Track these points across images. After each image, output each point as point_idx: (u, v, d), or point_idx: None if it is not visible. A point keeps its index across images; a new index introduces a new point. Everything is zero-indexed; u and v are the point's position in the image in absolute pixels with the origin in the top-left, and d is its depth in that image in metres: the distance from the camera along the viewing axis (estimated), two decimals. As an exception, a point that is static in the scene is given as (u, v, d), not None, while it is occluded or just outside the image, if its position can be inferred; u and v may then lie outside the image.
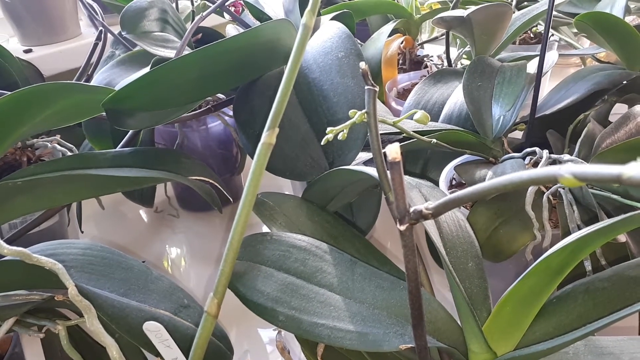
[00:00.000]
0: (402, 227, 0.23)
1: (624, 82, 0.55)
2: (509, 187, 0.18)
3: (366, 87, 0.29)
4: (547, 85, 0.88)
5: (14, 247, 0.27)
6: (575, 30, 0.88)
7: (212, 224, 0.74)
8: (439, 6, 0.88)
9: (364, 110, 0.30)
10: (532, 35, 0.89)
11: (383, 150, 0.30)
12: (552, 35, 0.82)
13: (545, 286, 0.28)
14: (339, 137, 0.31)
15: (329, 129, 0.31)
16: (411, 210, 0.22)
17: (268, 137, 0.25)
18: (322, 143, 0.31)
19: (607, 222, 0.25)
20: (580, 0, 0.77)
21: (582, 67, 0.78)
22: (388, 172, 0.29)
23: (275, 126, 0.25)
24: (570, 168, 0.15)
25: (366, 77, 0.29)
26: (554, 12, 0.78)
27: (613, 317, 0.27)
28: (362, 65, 0.29)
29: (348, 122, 0.31)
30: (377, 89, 0.29)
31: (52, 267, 0.28)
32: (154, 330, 0.31)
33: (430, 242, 0.49)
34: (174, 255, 0.70)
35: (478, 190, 0.19)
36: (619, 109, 0.56)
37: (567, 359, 0.29)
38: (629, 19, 0.80)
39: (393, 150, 0.22)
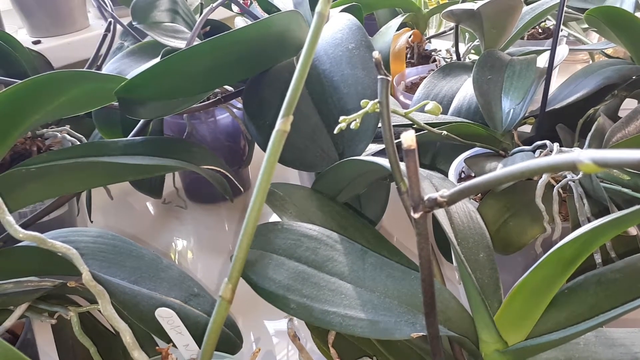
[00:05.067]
0: (417, 215, 0.23)
1: (634, 77, 0.55)
2: (526, 174, 0.18)
3: (379, 77, 0.29)
4: (555, 81, 0.87)
5: (30, 232, 0.27)
6: (584, 26, 0.88)
7: (219, 216, 0.75)
8: (447, 0, 0.88)
9: (376, 100, 0.30)
10: (540, 31, 0.89)
11: (396, 140, 0.30)
12: (561, 30, 0.82)
13: (558, 277, 0.28)
14: (352, 126, 0.31)
15: (341, 118, 0.31)
16: (425, 198, 0.22)
17: (283, 124, 0.25)
18: (335, 132, 0.32)
19: (620, 213, 0.25)
20: (590, -5, 0.76)
21: (590, 63, 0.78)
22: (400, 163, 0.29)
23: (289, 114, 0.25)
24: (590, 153, 0.15)
25: (379, 66, 0.29)
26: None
27: (625, 308, 0.27)
28: (375, 54, 0.29)
29: (361, 112, 0.31)
30: (389, 78, 0.29)
31: (67, 252, 0.28)
32: (166, 317, 0.31)
33: (438, 236, 0.49)
34: (181, 246, 0.71)
35: (494, 178, 0.19)
36: (629, 104, 0.56)
37: (578, 350, 0.29)
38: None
39: (408, 138, 0.22)
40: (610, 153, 0.15)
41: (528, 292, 0.28)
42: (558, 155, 0.17)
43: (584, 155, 0.15)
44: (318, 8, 0.26)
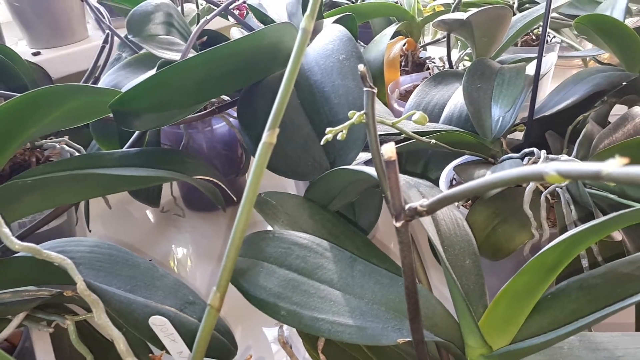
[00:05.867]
0: (398, 224, 0.24)
1: (624, 83, 0.56)
2: (500, 184, 0.19)
3: (364, 89, 0.30)
4: (548, 87, 0.88)
5: (25, 243, 0.28)
6: (577, 32, 0.89)
7: (217, 224, 0.75)
8: (442, 8, 0.89)
9: (362, 111, 0.31)
10: (533, 37, 0.89)
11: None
12: (554, 37, 0.83)
13: (540, 282, 0.28)
14: (338, 137, 0.32)
15: (328, 129, 0.32)
16: (406, 207, 0.23)
17: (269, 136, 0.26)
18: (321, 143, 0.32)
19: (599, 220, 0.26)
20: (581, 2, 0.77)
21: (584, 68, 0.79)
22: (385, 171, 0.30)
23: (275, 126, 0.26)
24: (555, 165, 0.16)
25: (364, 78, 0.30)
26: (555, 14, 0.79)
27: (605, 311, 0.27)
28: (361, 67, 0.30)
29: (347, 123, 0.32)
30: (375, 90, 0.30)
31: (62, 262, 0.29)
32: (159, 325, 0.32)
33: (430, 240, 0.50)
34: (180, 255, 0.71)
35: (471, 188, 0.20)
36: (619, 110, 0.56)
37: (562, 354, 0.30)
38: (631, 21, 0.80)
39: (388, 150, 0.22)
40: (572, 165, 0.16)
41: (511, 298, 0.29)
42: (528, 166, 0.18)
43: (550, 167, 0.16)
44: (302, 24, 0.27)
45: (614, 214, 0.26)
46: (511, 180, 0.18)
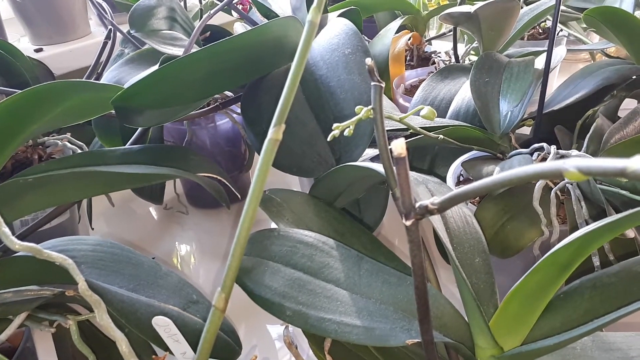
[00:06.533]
0: (408, 222, 0.23)
1: (634, 77, 0.55)
2: (515, 182, 0.18)
3: (372, 83, 0.29)
4: (556, 81, 0.87)
5: (25, 243, 0.27)
6: (584, 26, 0.88)
7: (220, 221, 0.75)
8: (447, 2, 0.88)
9: (370, 107, 0.30)
10: (540, 31, 0.88)
11: (389, 147, 0.30)
12: (561, 30, 0.82)
13: (552, 281, 0.28)
14: (345, 133, 0.31)
15: (335, 125, 0.31)
16: (417, 205, 0.22)
17: (275, 133, 0.25)
18: (328, 139, 0.32)
19: (614, 217, 0.25)
20: (589, -6, 0.76)
21: (592, 62, 0.78)
22: (394, 167, 0.29)
23: (281, 122, 0.25)
24: (575, 162, 0.15)
25: (372, 73, 0.29)
26: (563, 7, 0.78)
27: (620, 312, 0.27)
28: (368, 61, 0.29)
29: (354, 119, 0.31)
30: (383, 84, 0.29)
31: (63, 262, 0.29)
32: (162, 325, 0.31)
33: (437, 238, 0.49)
34: (184, 252, 0.71)
35: (484, 185, 0.19)
36: (628, 104, 0.55)
37: (575, 355, 0.29)
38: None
39: (398, 146, 0.22)
40: (594, 162, 0.15)
41: (523, 297, 0.28)
42: (546, 163, 0.17)
43: (570, 164, 0.15)
44: (309, 17, 0.26)
45: (630, 211, 0.25)
46: (528, 177, 0.18)
